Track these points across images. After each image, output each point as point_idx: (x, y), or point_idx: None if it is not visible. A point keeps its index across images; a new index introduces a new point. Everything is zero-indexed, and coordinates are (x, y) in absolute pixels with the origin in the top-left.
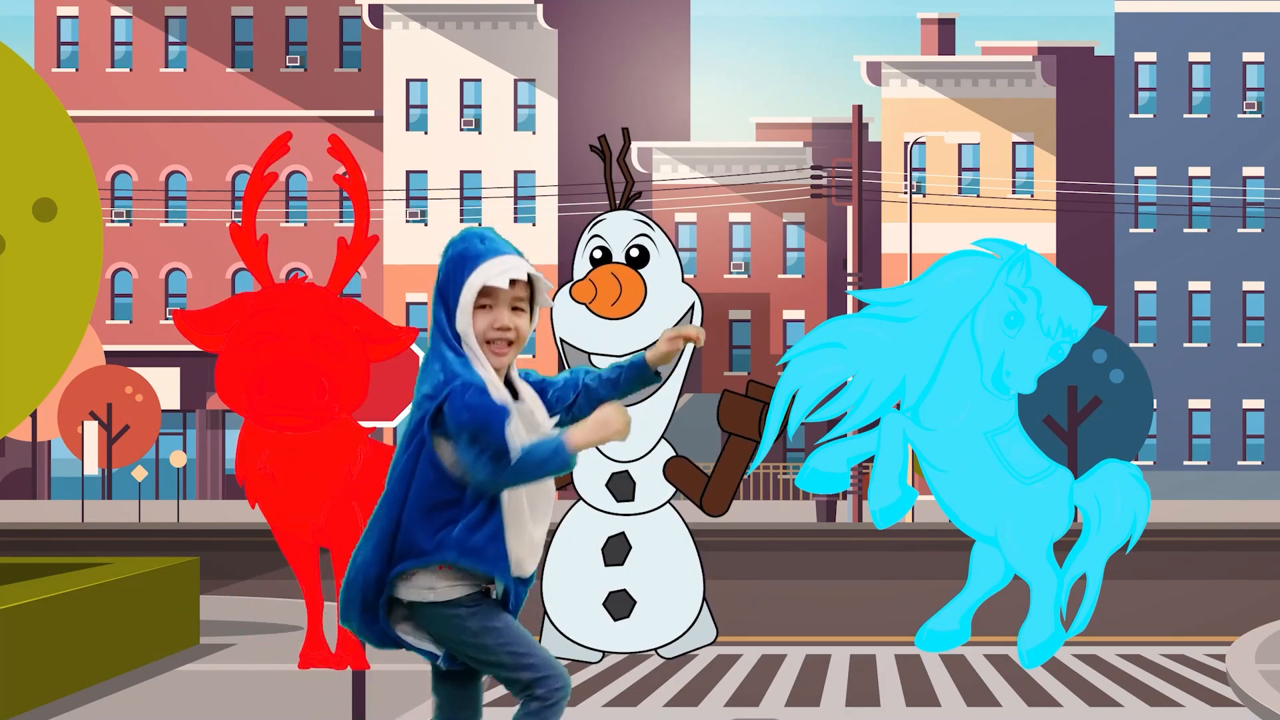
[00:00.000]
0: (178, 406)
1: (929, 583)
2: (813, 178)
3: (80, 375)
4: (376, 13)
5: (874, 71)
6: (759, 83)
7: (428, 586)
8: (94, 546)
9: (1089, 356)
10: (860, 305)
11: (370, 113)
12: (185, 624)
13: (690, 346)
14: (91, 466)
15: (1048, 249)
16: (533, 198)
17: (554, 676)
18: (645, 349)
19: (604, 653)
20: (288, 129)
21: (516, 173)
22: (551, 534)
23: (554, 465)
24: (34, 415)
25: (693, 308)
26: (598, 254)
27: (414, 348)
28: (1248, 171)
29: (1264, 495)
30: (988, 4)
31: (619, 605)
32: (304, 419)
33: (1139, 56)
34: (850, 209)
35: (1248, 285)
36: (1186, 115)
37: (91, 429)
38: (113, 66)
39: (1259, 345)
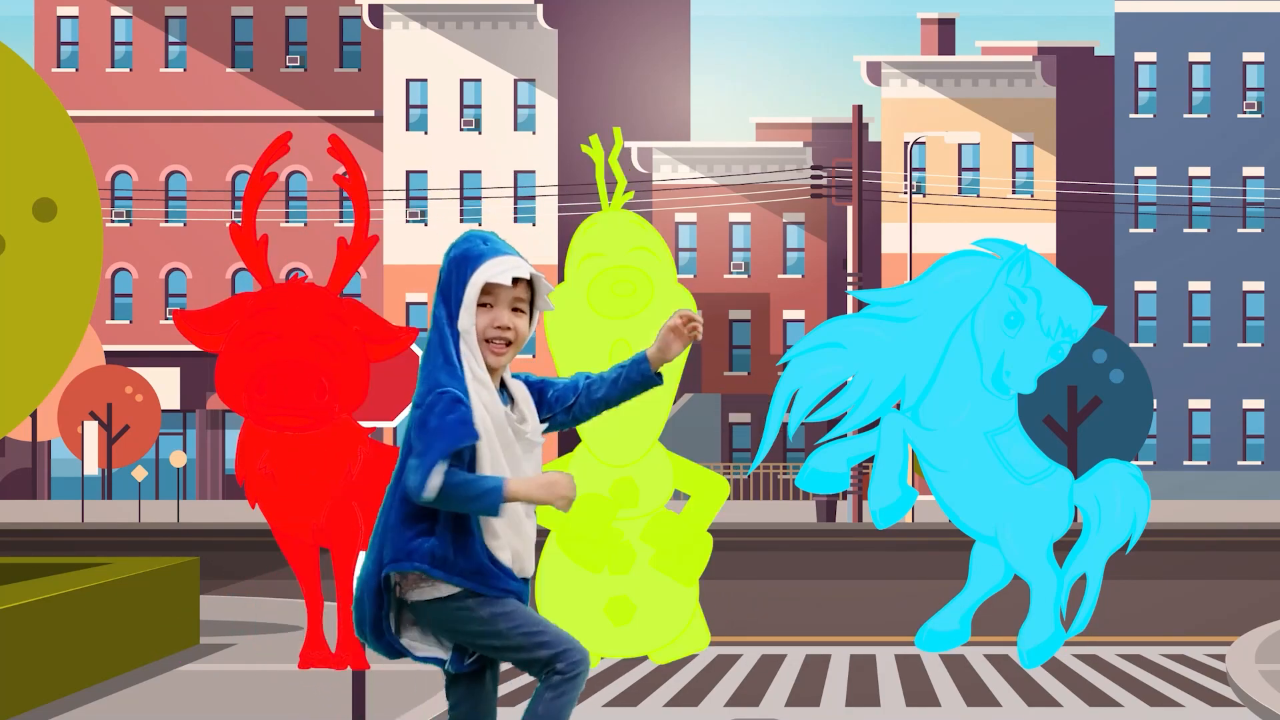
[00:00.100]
0: (178, 406)
1: (929, 583)
2: (813, 178)
3: (80, 375)
4: (376, 13)
5: (874, 71)
6: (759, 83)
7: (429, 585)
8: (94, 546)
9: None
10: (860, 305)
11: (370, 113)
12: (185, 624)
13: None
14: (91, 466)
15: (1048, 249)
16: (533, 198)
17: (571, 650)
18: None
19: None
20: (288, 129)
21: (516, 173)
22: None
23: (480, 505)
24: (34, 415)
25: None
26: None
27: (414, 348)
28: (1248, 171)
29: (1264, 495)
30: (988, 4)
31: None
32: (304, 419)
33: (1139, 56)
34: (850, 209)
35: (1248, 285)
36: (1186, 115)
37: (91, 429)
38: (113, 66)
39: (1259, 345)
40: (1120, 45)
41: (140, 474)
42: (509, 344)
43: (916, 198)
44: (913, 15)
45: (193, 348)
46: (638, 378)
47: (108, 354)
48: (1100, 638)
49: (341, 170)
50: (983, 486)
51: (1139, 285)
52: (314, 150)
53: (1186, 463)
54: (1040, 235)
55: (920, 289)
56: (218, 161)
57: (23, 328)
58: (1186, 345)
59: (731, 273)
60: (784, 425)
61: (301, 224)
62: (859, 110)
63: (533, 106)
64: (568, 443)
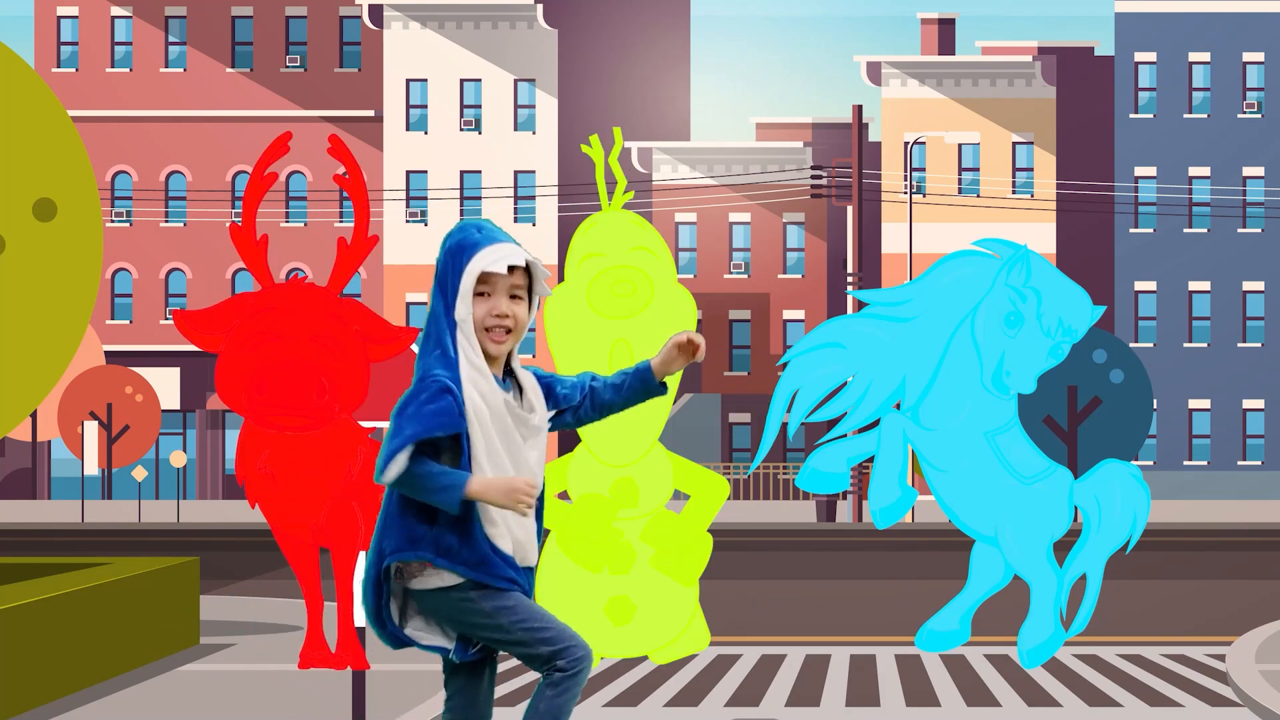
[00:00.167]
0: (178, 406)
1: (929, 583)
2: (813, 178)
3: (80, 375)
4: (376, 13)
5: (874, 71)
6: (759, 83)
7: (433, 573)
8: (94, 546)
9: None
10: (860, 305)
11: (370, 113)
12: (185, 624)
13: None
14: (91, 466)
15: (1048, 249)
16: (533, 198)
17: (574, 646)
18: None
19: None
20: (288, 129)
21: (516, 173)
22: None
23: (439, 498)
24: (34, 415)
25: None
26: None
27: (414, 348)
28: (1248, 171)
29: (1264, 495)
30: (988, 4)
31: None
32: (304, 419)
33: (1139, 56)
34: (850, 209)
35: (1248, 285)
36: (1186, 115)
37: (91, 429)
38: (113, 66)
39: (1259, 345)
40: (1120, 45)
41: (140, 474)
42: (509, 331)
43: (916, 198)
44: (913, 15)
45: (193, 348)
46: (641, 385)
47: (108, 354)
48: (1100, 638)
49: (341, 170)
50: (983, 486)
51: (1139, 285)
52: (314, 150)
53: (1186, 463)
54: (1040, 235)
55: (920, 289)
56: (218, 161)
57: (23, 328)
58: (1186, 345)
59: (731, 273)
60: (784, 425)
61: (301, 224)
62: (859, 110)
63: (533, 106)
64: (568, 443)
